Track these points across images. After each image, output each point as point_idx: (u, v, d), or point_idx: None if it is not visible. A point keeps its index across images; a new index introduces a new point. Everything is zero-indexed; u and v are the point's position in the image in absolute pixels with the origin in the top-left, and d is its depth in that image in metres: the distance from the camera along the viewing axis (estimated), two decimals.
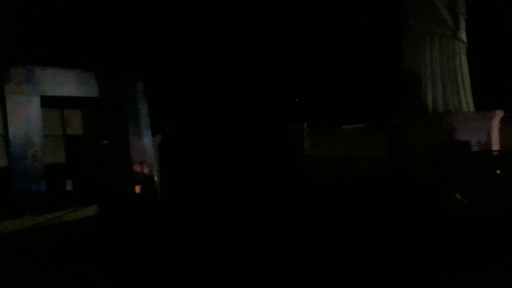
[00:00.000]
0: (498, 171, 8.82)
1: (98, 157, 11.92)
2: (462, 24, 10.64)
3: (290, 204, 10.06)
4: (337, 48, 14.15)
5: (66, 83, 11.07)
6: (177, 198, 11.68)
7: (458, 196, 8.31)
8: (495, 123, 10.10)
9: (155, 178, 12.35)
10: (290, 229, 8.01)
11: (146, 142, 12.37)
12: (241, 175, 11.98)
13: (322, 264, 6.05)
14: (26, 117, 10.32)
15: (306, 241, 7.23)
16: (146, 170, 12.13)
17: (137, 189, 11.63)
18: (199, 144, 13.41)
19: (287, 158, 12.35)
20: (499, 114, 10.13)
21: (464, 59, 10.68)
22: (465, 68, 10.64)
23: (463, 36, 10.65)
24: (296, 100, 14.88)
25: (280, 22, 14.48)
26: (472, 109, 10.53)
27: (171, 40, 14.21)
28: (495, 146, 10.02)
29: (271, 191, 11.05)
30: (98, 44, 12.06)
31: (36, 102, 10.52)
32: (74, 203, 10.47)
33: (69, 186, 11.20)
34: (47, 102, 10.90)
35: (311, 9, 14.19)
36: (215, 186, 12.05)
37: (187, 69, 14.22)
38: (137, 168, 12.05)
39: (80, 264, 6.99)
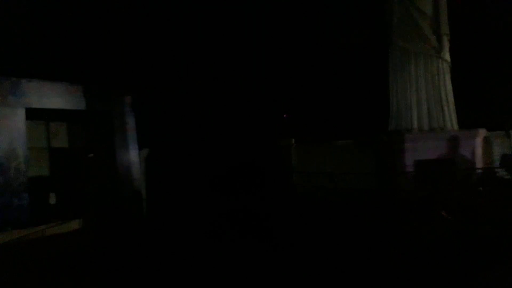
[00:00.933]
0: (481, 188, 9.00)
1: (83, 171, 11.74)
2: (446, 45, 10.98)
3: (278, 219, 10.02)
4: (326, 65, 14.37)
5: (52, 96, 10.94)
6: (163, 212, 11.53)
7: (443, 213, 8.42)
8: (478, 141, 10.33)
9: (142, 192, 12.20)
10: (277, 244, 7.97)
11: (132, 156, 12.24)
12: (229, 190, 11.92)
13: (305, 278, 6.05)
14: (10, 129, 10.13)
15: (293, 255, 7.20)
16: (132, 184, 11.98)
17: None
18: (186, 158, 13.34)
19: (275, 173, 12.36)
20: (482, 132, 10.38)
21: (448, 78, 10.98)
22: (449, 87, 10.93)
23: (447, 56, 10.97)
24: (285, 115, 14.99)
25: (268, 39, 14.67)
26: (456, 127, 10.77)
27: (158, 53, 14.24)
28: (478, 164, 10.22)
29: (258, 205, 11.01)
30: (85, 57, 12.01)
31: (21, 114, 10.35)
32: (58, 217, 10.26)
33: (52, 200, 10.96)
34: (33, 114, 10.74)
35: (302, 27, 14.43)
36: (202, 200, 11.95)
37: (175, 82, 14.23)
38: (123, 182, 11.89)
39: (63, 278, 6.83)
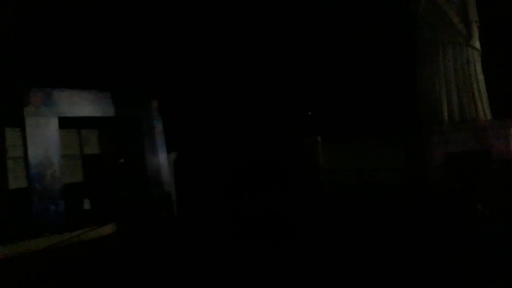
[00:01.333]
0: None
1: (114, 176, 12.06)
2: (475, 32, 10.55)
3: (307, 217, 9.96)
4: (351, 61, 14.15)
5: (82, 104, 11.28)
6: (194, 215, 11.69)
7: (479, 207, 8.14)
8: None
9: (172, 195, 12.40)
10: (305, 242, 7.92)
11: (162, 159, 12.45)
12: (257, 190, 11.95)
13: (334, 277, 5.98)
14: (45, 138, 10.51)
15: (321, 253, 7.14)
16: (162, 187, 12.19)
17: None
18: (214, 159, 13.46)
19: (302, 171, 12.29)
20: None
21: (478, 66, 10.56)
22: (480, 76, 10.51)
23: (477, 44, 10.55)
24: (309, 113, 14.86)
25: (293, 37, 14.58)
26: (489, 117, 10.36)
27: (185, 58, 14.42)
28: None
29: (287, 205, 10.98)
30: (113, 64, 12.30)
31: (54, 123, 10.71)
32: (92, 222, 10.56)
33: (86, 205, 11.32)
34: (65, 122, 11.10)
35: (324, 23, 14.26)
36: (231, 201, 12.03)
37: (202, 85, 14.37)
38: (153, 185, 12.12)
39: (100, 282, 7.02)
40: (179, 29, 14.31)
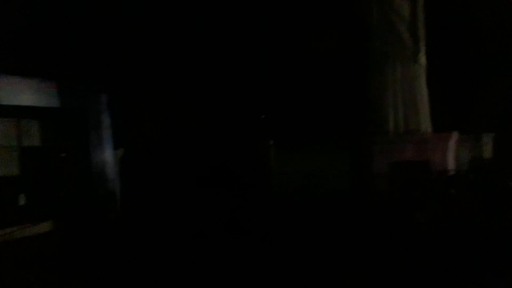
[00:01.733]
0: (453, 191, 9.26)
1: (55, 171, 11.35)
2: (422, 49, 11.23)
3: (255, 219, 10.01)
4: (305, 66, 14.44)
5: (23, 92, 10.49)
6: (138, 213, 11.32)
7: (418, 215, 8.60)
8: (451, 144, 10.63)
9: (117, 193, 11.91)
10: (252, 243, 7.96)
11: (107, 156, 11.90)
12: (205, 191, 11.82)
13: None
14: None
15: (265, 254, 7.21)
16: (107, 185, 11.68)
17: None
18: (162, 159, 13.14)
19: (253, 174, 12.34)
20: (455, 135, 10.69)
21: (423, 81, 11.26)
22: (425, 91, 11.20)
23: (423, 59, 11.23)
24: (262, 116, 14.97)
25: (249, 38, 14.62)
26: (430, 130, 11.04)
27: (136, 50, 13.95)
28: (451, 166, 10.52)
29: (236, 207, 10.96)
30: (59, 52, 11.62)
31: None
32: (28, 218, 9.89)
33: (22, 201, 10.55)
34: (2, 111, 10.30)
35: (280, 28, 14.44)
36: (178, 202, 11.80)
37: (153, 80, 13.97)
38: (97, 182, 11.57)
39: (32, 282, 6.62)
40: (133, 20, 13.83)
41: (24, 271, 7.27)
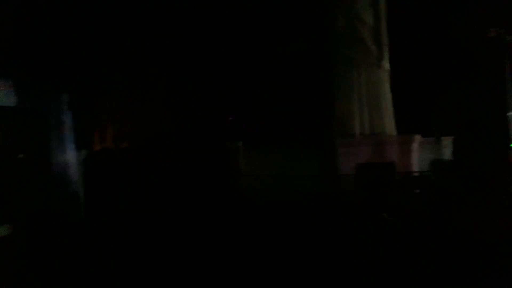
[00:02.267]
0: (417, 191, 9.55)
1: (14, 172, 10.76)
2: (386, 54, 11.56)
3: (223, 221, 9.89)
4: (272, 70, 14.52)
5: None
6: (102, 216, 10.93)
7: (384, 214, 8.79)
8: (414, 146, 10.98)
9: (80, 196, 11.45)
10: (219, 246, 7.83)
11: (69, 157, 11.43)
12: (173, 192, 11.59)
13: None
14: None
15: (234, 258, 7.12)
16: (69, 187, 11.20)
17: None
18: (127, 160, 12.78)
19: (222, 175, 12.23)
20: (418, 138, 11.05)
21: (387, 86, 11.59)
22: (389, 95, 11.54)
23: (387, 64, 11.56)
24: (230, 118, 14.92)
25: (217, 41, 14.55)
26: (394, 133, 11.37)
27: (99, 47, 13.55)
28: (414, 168, 10.86)
29: (202, 209, 10.80)
30: (19, 49, 11.09)
31: None
32: None
33: None
34: None
35: (248, 32, 14.47)
36: (144, 204, 11.50)
37: (118, 79, 13.60)
38: (59, 184, 11.07)
39: None
40: (96, 19, 13.43)
41: None
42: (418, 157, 11.13)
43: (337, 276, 6.14)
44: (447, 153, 11.63)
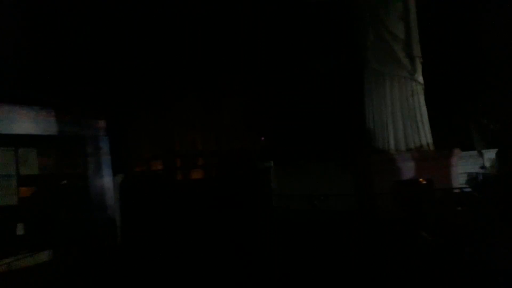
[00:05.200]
0: (459, 208, 9.07)
1: (54, 199, 11.21)
2: (419, 67, 11.24)
3: (258, 242, 9.80)
4: (303, 87, 14.49)
5: (21, 121, 10.49)
6: (139, 241, 11.12)
7: (424, 233, 8.40)
8: (454, 160, 10.50)
9: (116, 220, 11.74)
10: (257, 267, 7.76)
11: (106, 182, 11.79)
12: (208, 215, 11.65)
13: None
14: None
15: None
16: (106, 212, 11.53)
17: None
18: (162, 184, 13.03)
19: (254, 196, 12.19)
20: (457, 152, 10.57)
21: (422, 99, 11.19)
22: (423, 108, 11.13)
23: (420, 78, 11.22)
24: (262, 138, 14.95)
25: (248, 62, 14.73)
26: (432, 147, 10.92)
27: (133, 76, 14.05)
28: (455, 183, 10.36)
29: (238, 230, 10.77)
30: (57, 80, 11.70)
31: None
32: (26, 248, 9.70)
33: (20, 231, 10.37)
34: (1, 140, 10.25)
35: (276, 50, 14.57)
36: (180, 227, 11.62)
37: (151, 106, 14.02)
38: (96, 209, 11.42)
39: None
40: (129, 47, 13.99)
41: None
42: (459, 172, 10.63)
43: None
44: (490, 167, 11.04)
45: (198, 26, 14.54)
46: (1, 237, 9.72)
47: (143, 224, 11.57)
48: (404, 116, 11.04)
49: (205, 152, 14.01)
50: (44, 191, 11.15)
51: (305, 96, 14.44)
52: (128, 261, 9.64)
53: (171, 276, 7.91)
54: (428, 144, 10.91)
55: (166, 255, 9.55)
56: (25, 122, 10.57)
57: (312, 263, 7.70)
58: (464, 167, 11.18)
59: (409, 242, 8.18)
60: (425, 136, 10.94)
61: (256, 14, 14.39)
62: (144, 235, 11.00)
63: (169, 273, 8.14)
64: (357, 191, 10.70)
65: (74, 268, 9.20)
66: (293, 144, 14.01)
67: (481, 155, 11.69)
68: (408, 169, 10.33)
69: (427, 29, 11.62)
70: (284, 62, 14.90)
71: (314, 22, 14.03)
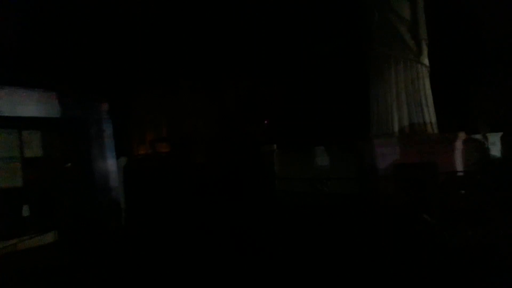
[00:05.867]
0: (462, 192, 9.05)
1: (59, 181, 11.29)
2: (425, 49, 11.05)
3: (260, 225, 9.88)
4: (306, 70, 14.36)
5: (25, 103, 10.50)
6: (143, 222, 11.23)
7: (426, 217, 8.41)
8: (458, 144, 10.42)
9: (120, 201, 11.83)
10: (259, 250, 7.82)
11: (110, 165, 11.85)
12: (211, 197, 11.71)
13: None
14: None
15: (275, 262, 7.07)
16: (110, 194, 11.61)
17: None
18: (166, 165, 13.06)
19: (257, 179, 12.22)
20: (462, 135, 10.48)
21: (427, 82, 11.05)
22: (429, 91, 11.00)
23: (426, 60, 11.05)
24: (266, 121, 14.89)
25: (250, 44, 14.59)
26: (436, 131, 10.84)
27: (137, 58, 13.96)
28: (459, 167, 10.31)
29: (240, 213, 10.84)
30: (61, 62, 11.64)
31: None
32: (31, 230, 9.82)
33: (25, 212, 10.49)
34: (4, 122, 10.28)
35: (280, 34, 14.40)
36: (183, 208, 11.71)
37: (155, 88, 13.95)
38: (100, 191, 11.50)
39: None
40: (132, 31, 13.86)
41: (28, 283, 7.17)
42: (463, 156, 10.56)
43: (376, 279, 5.99)
44: (494, 150, 10.96)
45: (202, 9, 14.38)
46: (7, 218, 9.84)
47: (147, 206, 11.66)
48: (408, 99, 10.92)
49: (208, 135, 13.98)
50: (48, 173, 11.23)
51: (309, 79, 14.31)
52: (132, 243, 9.75)
53: (175, 259, 7.99)
54: (432, 128, 10.82)
55: (169, 237, 9.65)
56: (28, 105, 10.58)
57: (315, 247, 7.75)
58: (469, 150, 11.10)
59: (412, 226, 8.20)
60: (430, 120, 10.84)
61: None
62: (148, 217, 11.09)
63: (173, 256, 8.22)
64: (360, 175, 10.68)
65: (79, 249, 9.32)
66: (296, 127, 13.96)
67: (485, 138, 11.60)
68: (412, 153, 10.27)
69: (433, 10, 11.40)
70: (287, 45, 14.73)
71: (318, 3, 13.82)
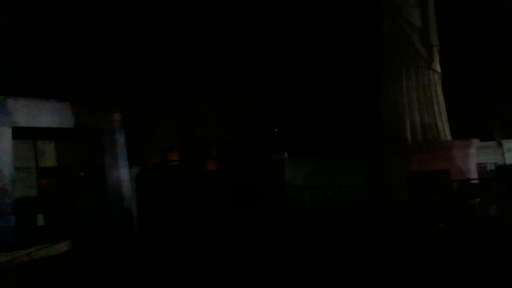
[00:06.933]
0: (477, 199, 8.89)
1: (72, 190, 11.44)
2: (436, 56, 10.94)
3: (270, 233, 9.84)
4: (317, 79, 14.35)
5: (39, 114, 10.71)
6: (155, 231, 11.28)
7: (440, 224, 8.28)
8: (472, 151, 10.26)
9: (133, 211, 11.93)
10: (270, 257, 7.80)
11: (123, 174, 11.98)
12: (223, 205, 11.72)
13: None
14: None
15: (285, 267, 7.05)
16: (123, 203, 11.71)
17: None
18: (178, 175, 13.13)
19: (268, 187, 12.20)
20: (475, 142, 10.32)
21: (439, 88, 10.92)
22: (441, 98, 10.87)
23: (437, 67, 10.93)
24: (276, 130, 14.90)
25: (260, 54, 14.66)
26: (449, 137, 10.69)
27: (149, 69, 14.14)
28: (473, 174, 10.14)
29: (252, 221, 10.82)
30: (74, 73, 11.86)
31: (7, 133, 10.06)
32: (46, 239, 9.94)
33: (40, 221, 10.64)
34: (20, 133, 10.48)
35: (291, 42, 14.44)
36: (195, 216, 11.74)
37: (167, 98, 14.09)
38: (113, 200, 11.62)
39: None
40: (145, 43, 14.05)
41: None
42: (477, 163, 10.39)
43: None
44: (510, 157, 10.78)
45: (213, 18, 14.51)
46: (22, 227, 9.99)
47: (160, 214, 11.71)
48: (420, 106, 10.79)
49: (219, 143, 14.04)
50: (62, 183, 11.40)
51: (319, 87, 14.29)
52: (145, 251, 9.79)
53: (187, 265, 8.01)
54: (445, 135, 10.67)
55: (182, 245, 9.67)
56: (43, 116, 10.78)
57: (325, 255, 7.69)
58: (483, 157, 10.93)
59: (427, 234, 8.08)
60: (442, 126, 10.70)
61: (270, 3, 14.27)
62: (161, 225, 11.14)
63: (185, 262, 8.24)
64: (372, 183, 10.58)
65: (92, 257, 9.39)
66: (307, 135, 13.93)
67: (500, 145, 11.43)
68: (424, 160, 10.13)
69: (445, 17, 11.31)
70: (298, 53, 14.76)
71: (328, 10, 13.83)
